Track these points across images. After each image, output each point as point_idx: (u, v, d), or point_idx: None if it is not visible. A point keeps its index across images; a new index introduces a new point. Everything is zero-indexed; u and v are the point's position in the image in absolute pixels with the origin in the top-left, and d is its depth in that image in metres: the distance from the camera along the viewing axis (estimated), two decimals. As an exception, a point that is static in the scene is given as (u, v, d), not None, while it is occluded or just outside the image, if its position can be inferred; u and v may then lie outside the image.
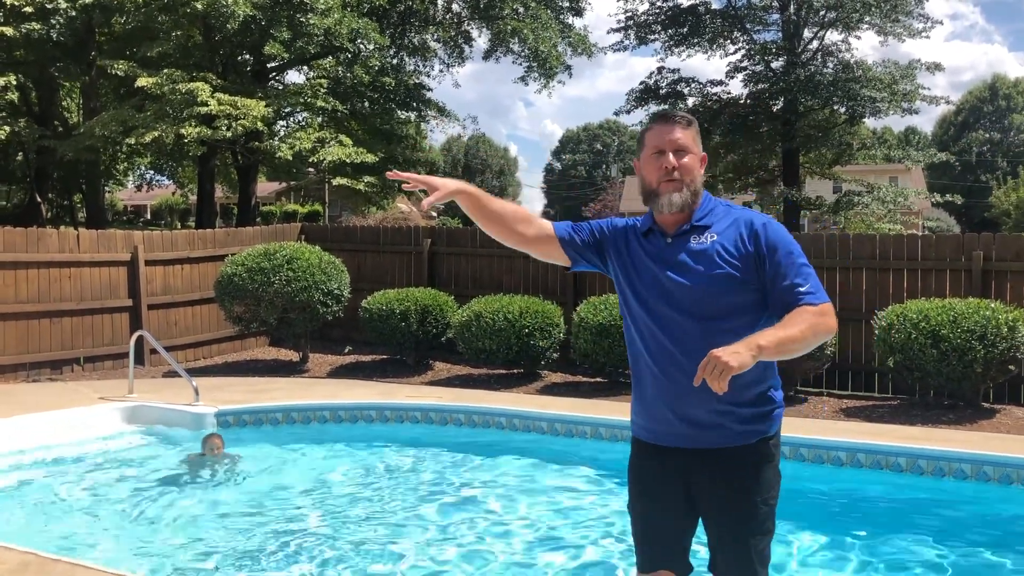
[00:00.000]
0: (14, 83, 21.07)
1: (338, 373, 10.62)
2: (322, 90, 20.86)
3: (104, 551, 4.90)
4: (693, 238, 2.60)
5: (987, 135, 69.59)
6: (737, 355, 2.27)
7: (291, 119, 24.26)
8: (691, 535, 2.73)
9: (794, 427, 7.25)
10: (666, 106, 28.92)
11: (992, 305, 8.10)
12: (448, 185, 2.70)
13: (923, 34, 26.12)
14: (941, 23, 24.92)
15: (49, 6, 19.47)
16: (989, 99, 70.54)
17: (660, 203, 2.60)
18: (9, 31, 19.21)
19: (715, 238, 2.58)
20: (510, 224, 2.76)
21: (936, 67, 26.34)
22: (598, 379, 9.83)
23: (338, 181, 23.01)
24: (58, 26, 19.86)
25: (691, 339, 2.54)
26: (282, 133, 23.39)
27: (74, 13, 19.71)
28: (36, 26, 19.40)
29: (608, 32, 29.18)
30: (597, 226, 2.79)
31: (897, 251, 9.52)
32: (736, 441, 2.58)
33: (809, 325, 2.44)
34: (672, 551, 2.70)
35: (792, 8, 26.69)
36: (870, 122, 32.90)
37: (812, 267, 2.59)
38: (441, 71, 29.60)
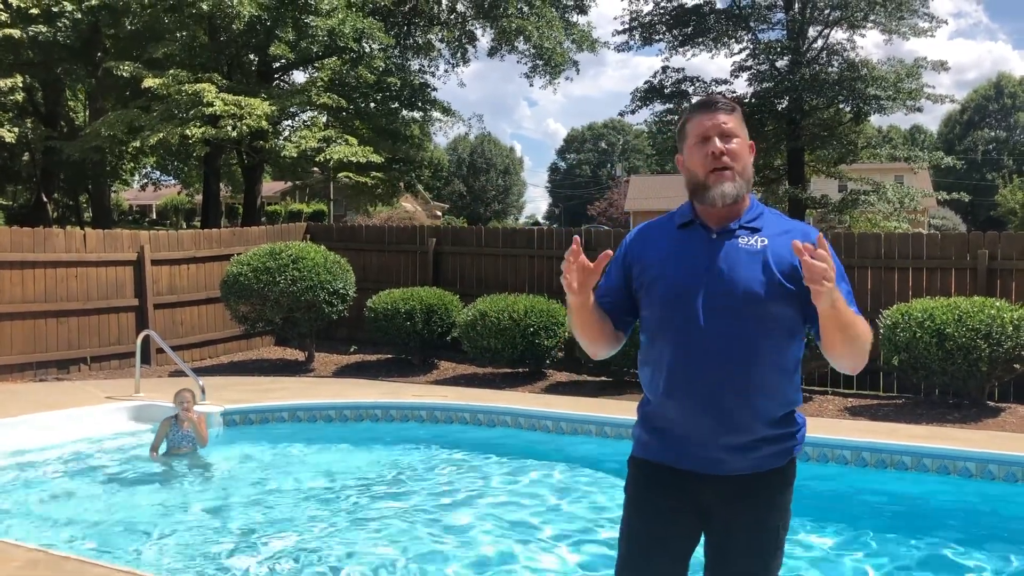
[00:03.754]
0: (21, 85, 21.15)
1: (343, 372, 10.65)
2: (324, 86, 20.87)
3: (113, 548, 4.93)
4: (742, 238, 2.35)
5: (992, 133, 69.45)
6: (831, 277, 2.12)
7: (296, 118, 24.31)
8: (687, 563, 2.50)
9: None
10: (670, 105, 28.93)
11: (997, 304, 8.09)
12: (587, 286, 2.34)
13: (928, 33, 26.08)
14: (946, 22, 24.90)
15: (55, 9, 19.55)
16: (994, 97, 70.41)
17: (712, 195, 2.34)
18: (16, 33, 19.29)
19: (766, 243, 2.34)
20: (611, 337, 2.50)
21: (942, 66, 26.29)
22: (603, 378, 9.85)
23: (344, 175, 23.04)
24: (64, 28, 19.93)
25: (726, 350, 2.30)
26: (287, 132, 23.45)
27: (80, 15, 19.79)
28: (43, 28, 19.48)
29: (613, 34, 29.19)
30: (615, 263, 2.51)
31: (902, 250, 9.52)
32: (765, 465, 2.37)
33: (867, 331, 2.30)
34: None
35: (797, 7, 26.65)
36: (875, 120, 32.86)
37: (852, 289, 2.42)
38: (446, 71, 29.69)
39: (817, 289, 2.12)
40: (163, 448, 6.85)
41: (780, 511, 2.44)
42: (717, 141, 2.35)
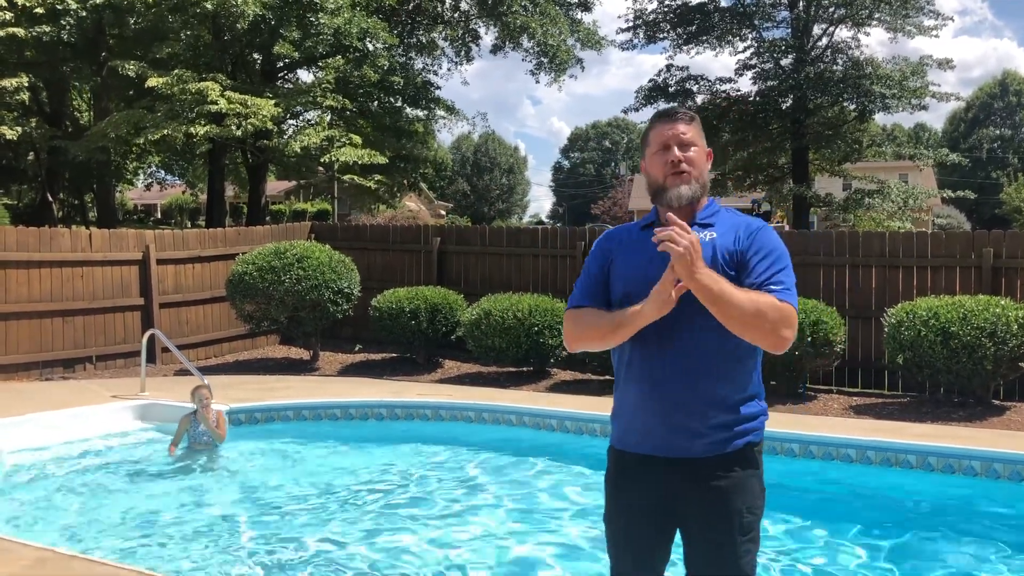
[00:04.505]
0: (25, 84, 21.20)
1: (348, 371, 10.67)
2: (330, 88, 20.92)
3: (119, 547, 4.95)
4: (695, 234, 2.50)
5: (998, 131, 69.27)
6: (699, 257, 2.28)
7: (300, 117, 24.34)
8: (667, 551, 2.63)
9: (803, 424, 7.26)
10: (675, 103, 28.89)
11: (1002, 302, 8.09)
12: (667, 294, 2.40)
13: (933, 31, 26.02)
14: (952, 20, 24.76)
15: (60, 7, 19.58)
16: (999, 95, 70.21)
17: (669, 197, 2.55)
18: (21, 32, 19.32)
19: (715, 236, 2.54)
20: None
21: (947, 64, 26.24)
22: (607, 377, 9.85)
23: (348, 177, 23.09)
24: (69, 27, 19.97)
25: (680, 339, 2.47)
26: (291, 131, 23.48)
27: (84, 14, 19.81)
28: (47, 28, 19.51)
29: (617, 32, 29.17)
30: (595, 264, 2.68)
31: (907, 248, 9.51)
32: (721, 449, 2.50)
33: (760, 303, 2.36)
34: (647, 565, 2.62)
35: (801, 5, 26.62)
36: (880, 119, 32.81)
37: (794, 282, 2.52)
38: (449, 69, 29.64)
39: (685, 254, 2.26)
40: (183, 444, 6.88)
41: (743, 495, 2.52)
42: (676, 150, 2.55)
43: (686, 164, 2.54)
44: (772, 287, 2.45)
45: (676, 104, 28.48)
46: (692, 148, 2.56)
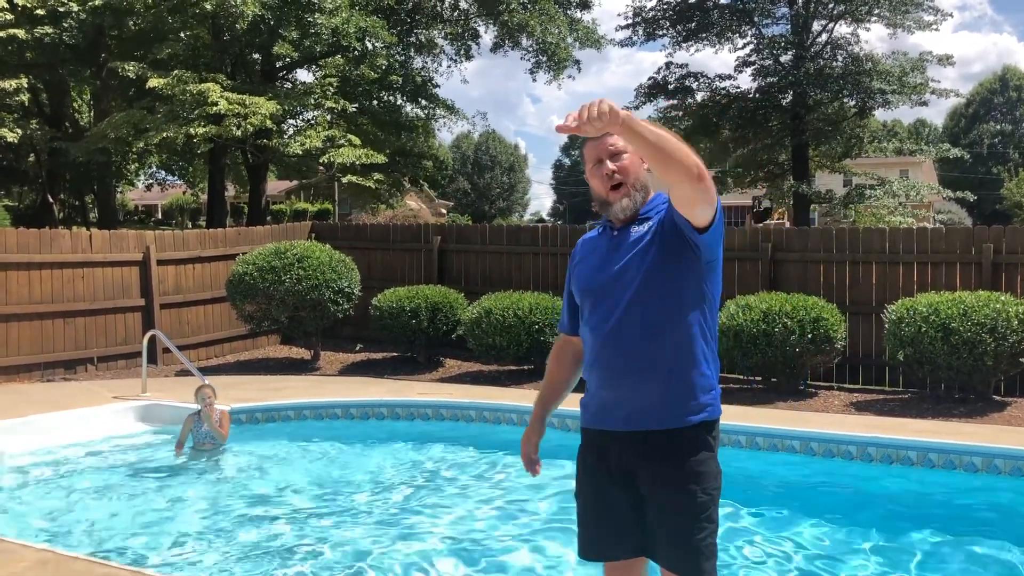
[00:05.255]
0: (26, 85, 21.21)
1: (349, 371, 10.68)
2: (331, 90, 20.92)
3: (120, 548, 4.95)
4: (634, 227, 2.70)
5: (998, 127, 69.17)
6: (611, 109, 2.24)
7: (300, 117, 24.35)
8: (635, 525, 2.69)
9: (804, 421, 7.26)
10: (674, 101, 28.90)
11: (1003, 298, 8.08)
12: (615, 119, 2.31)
13: (933, 26, 26.01)
14: (951, 15, 24.71)
15: (61, 10, 19.59)
16: (1000, 90, 70.12)
17: (614, 211, 2.70)
18: (21, 33, 19.32)
19: (651, 224, 2.68)
20: (577, 366, 2.98)
21: (947, 60, 26.23)
22: (608, 375, 9.84)
23: (348, 179, 23.10)
24: (70, 29, 19.98)
25: (624, 322, 2.63)
26: (291, 131, 23.49)
27: (85, 16, 19.82)
28: (48, 30, 19.51)
29: (617, 29, 29.18)
30: (568, 280, 2.91)
31: (907, 244, 9.51)
32: (673, 423, 2.61)
33: (678, 142, 2.38)
34: (609, 538, 2.73)
35: (800, 1, 26.60)
36: (880, 114, 32.77)
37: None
38: (449, 67, 29.58)
39: (601, 111, 2.23)
40: (188, 444, 6.90)
41: (696, 476, 2.60)
42: (609, 163, 2.67)
43: (620, 175, 2.67)
44: None
45: (679, 101, 28.51)
46: (624, 156, 2.67)
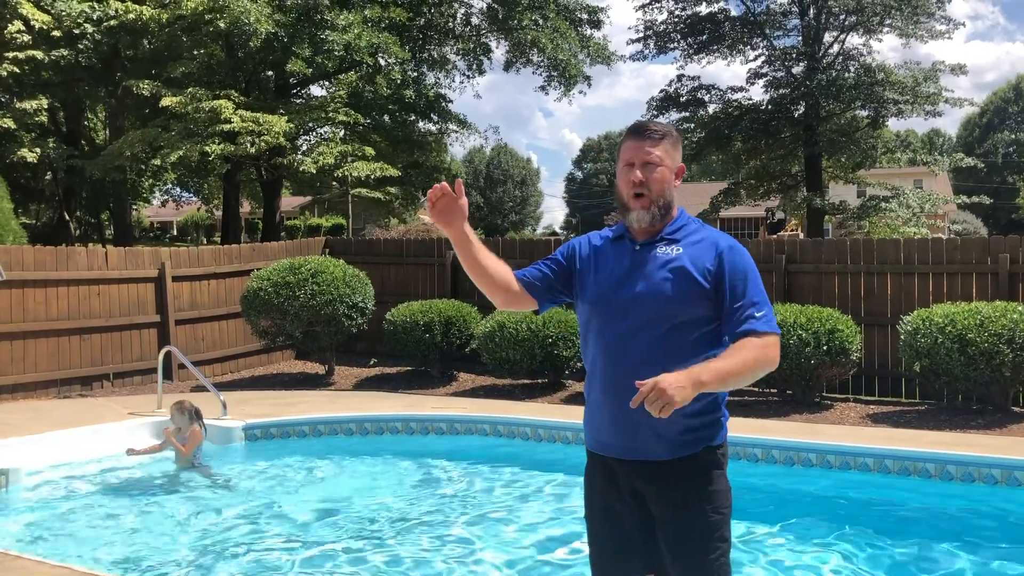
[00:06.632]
0: (44, 106, 21.43)
1: (363, 385, 10.69)
2: (342, 103, 21.03)
3: (135, 565, 4.96)
4: (661, 248, 2.62)
5: (1013, 136, 68.81)
6: (682, 390, 2.29)
7: (313, 133, 24.48)
8: (643, 552, 2.64)
9: (820, 434, 7.21)
10: (686, 113, 28.88)
11: (1020, 308, 8.01)
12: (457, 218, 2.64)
13: (946, 36, 25.94)
14: (964, 25, 24.73)
15: (77, 31, 19.81)
16: (1014, 99, 69.81)
17: (630, 218, 2.65)
18: (39, 54, 19.56)
19: (681, 251, 2.60)
20: (499, 281, 2.74)
21: (960, 69, 26.12)
22: (622, 388, 9.80)
23: (359, 192, 23.20)
24: (86, 50, 20.20)
25: (640, 347, 2.55)
26: (305, 148, 23.60)
27: (100, 36, 20.04)
28: (64, 52, 19.74)
29: (628, 43, 29.26)
30: (561, 252, 2.80)
31: (922, 255, 9.46)
32: (682, 452, 2.56)
33: (753, 358, 2.47)
34: (618, 566, 2.67)
35: (812, 13, 26.59)
36: (893, 124, 32.67)
37: (768, 299, 2.61)
38: (461, 83, 29.68)
39: (669, 407, 2.28)
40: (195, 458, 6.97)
41: (707, 496, 2.57)
42: (638, 172, 2.61)
43: (645, 188, 2.61)
44: (752, 318, 2.53)
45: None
46: (657, 168, 2.62)
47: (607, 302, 2.63)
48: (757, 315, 2.53)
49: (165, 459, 7.19)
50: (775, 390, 9.16)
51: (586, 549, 2.80)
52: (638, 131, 2.66)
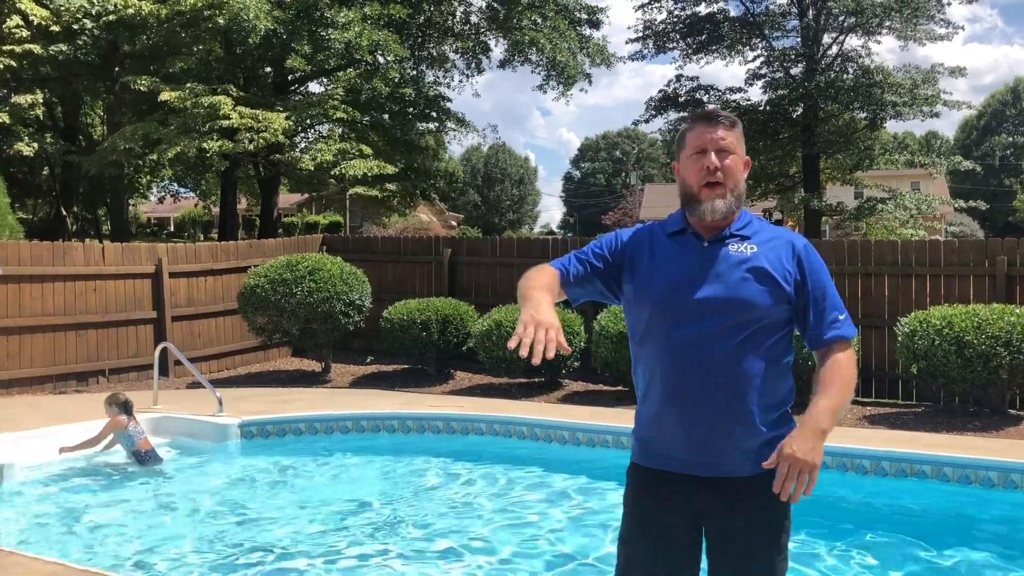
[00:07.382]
0: (41, 100, 21.40)
1: (360, 383, 10.67)
2: (339, 100, 21.00)
3: (130, 561, 4.95)
4: (732, 245, 2.41)
5: (1010, 139, 68.93)
6: (816, 451, 2.24)
7: (312, 130, 24.46)
8: (695, 564, 2.47)
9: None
10: (685, 114, 28.86)
11: (1017, 311, 8.02)
12: (548, 316, 2.25)
13: (945, 39, 25.97)
14: (963, 28, 24.78)
15: (76, 26, 19.77)
16: (1012, 102, 69.92)
17: (702, 209, 2.40)
18: (37, 49, 19.51)
19: (755, 250, 2.41)
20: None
21: (959, 71, 26.15)
22: (619, 387, 9.82)
23: (357, 190, 23.19)
24: (84, 45, 20.16)
25: (713, 355, 2.34)
26: (303, 145, 23.58)
27: (99, 32, 20.00)
28: (63, 47, 19.70)
29: (627, 43, 29.28)
30: (607, 246, 2.54)
31: (919, 257, 9.46)
32: (755, 469, 2.37)
33: (850, 378, 2.44)
34: None
35: (811, 14, 26.60)
36: (891, 127, 32.72)
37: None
38: (460, 81, 29.69)
39: (815, 473, 2.26)
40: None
41: (779, 514, 2.42)
42: (713, 156, 2.40)
43: (722, 173, 2.40)
44: (837, 322, 2.45)
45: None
46: (730, 156, 2.42)
47: (674, 304, 2.38)
48: (841, 318, 2.44)
49: (165, 456, 7.16)
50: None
51: (588, 555, 2.69)
52: (709, 117, 2.46)
